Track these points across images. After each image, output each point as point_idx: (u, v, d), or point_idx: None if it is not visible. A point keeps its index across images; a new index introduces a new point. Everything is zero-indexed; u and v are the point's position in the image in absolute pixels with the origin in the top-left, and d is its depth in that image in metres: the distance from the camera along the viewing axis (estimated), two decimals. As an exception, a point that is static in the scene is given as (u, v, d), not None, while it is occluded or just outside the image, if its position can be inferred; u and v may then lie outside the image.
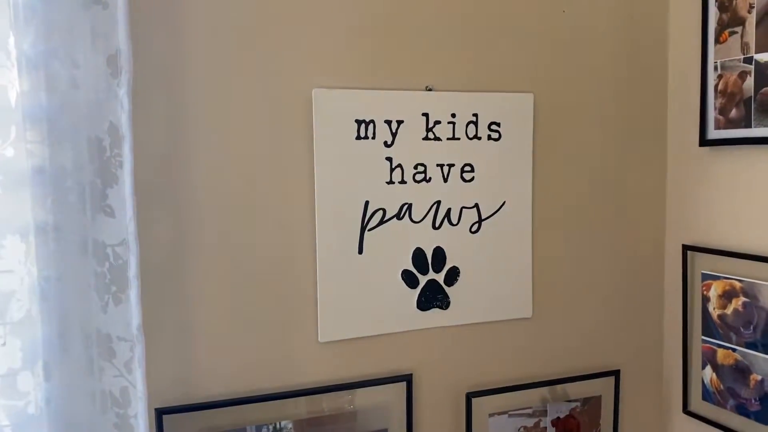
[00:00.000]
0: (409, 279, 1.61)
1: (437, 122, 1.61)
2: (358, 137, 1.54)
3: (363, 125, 1.54)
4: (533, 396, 1.73)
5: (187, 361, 1.43)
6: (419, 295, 1.62)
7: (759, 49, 1.55)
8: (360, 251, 1.56)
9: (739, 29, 1.60)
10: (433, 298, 1.63)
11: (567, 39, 1.73)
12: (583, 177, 1.77)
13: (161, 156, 1.38)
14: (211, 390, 1.45)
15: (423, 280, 1.62)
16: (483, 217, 1.67)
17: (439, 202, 1.63)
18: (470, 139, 1.64)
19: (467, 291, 1.66)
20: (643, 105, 1.82)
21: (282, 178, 1.48)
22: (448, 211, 1.64)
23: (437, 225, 1.63)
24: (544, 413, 1.74)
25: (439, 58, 1.60)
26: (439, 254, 1.64)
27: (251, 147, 1.45)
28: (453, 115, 1.62)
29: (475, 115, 1.64)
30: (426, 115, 1.60)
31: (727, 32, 1.63)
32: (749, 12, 1.57)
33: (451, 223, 1.64)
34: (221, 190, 1.43)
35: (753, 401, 1.60)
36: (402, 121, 1.57)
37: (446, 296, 1.65)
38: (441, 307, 1.64)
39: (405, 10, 1.57)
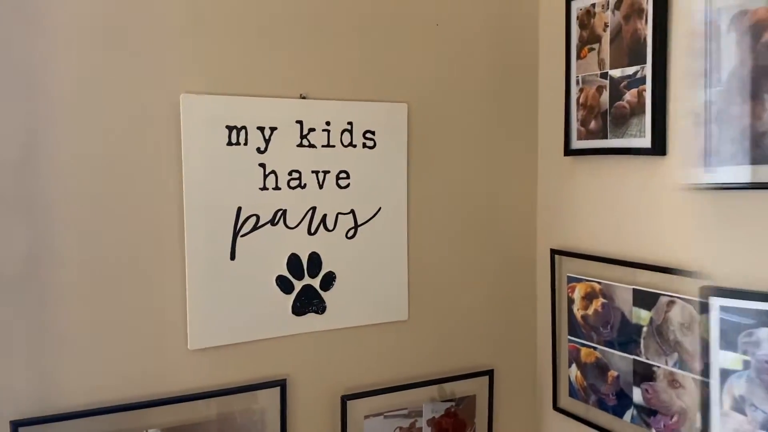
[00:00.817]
0: (284, 284, 1.62)
1: (312, 130, 1.63)
2: (230, 143, 1.54)
3: (234, 131, 1.54)
4: (409, 397, 1.77)
5: (47, 372, 1.39)
6: (294, 300, 1.64)
7: (613, 65, 1.65)
8: (232, 257, 1.56)
9: (596, 46, 1.70)
10: (308, 303, 1.65)
11: (441, 51, 1.79)
12: (456, 184, 1.84)
13: (15, 161, 1.34)
14: (74, 400, 1.41)
15: (298, 285, 1.64)
16: (359, 223, 1.70)
17: (314, 208, 1.65)
18: (345, 146, 1.67)
19: (343, 295, 1.69)
20: (515, 116, 1.91)
21: (149, 183, 1.46)
22: (324, 217, 1.66)
23: (313, 231, 1.65)
24: (420, 414, 1.79)
25: (313, 67, 1.63)
26: (315, 259, 1.66)
27: (116, 152, 1.43)
28: (328, 123, 1.65)
29: (350, 123, 1.67)
30: (300, 122, 1.62)
31: (586, 48, 1.73)
32: (604, 30, 1.67)
33: (326, 229, 1.67)
34: (84, 196, 1.40)
35: (610, 396, 1.70)
36: (275, 128, 1.59)
37: (322, 301, 1.67)
38: (317, 312, 1.66)
39: (279, 17, 1.58)
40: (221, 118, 1.53)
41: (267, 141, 1.58)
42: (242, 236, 1.57)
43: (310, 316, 1.66)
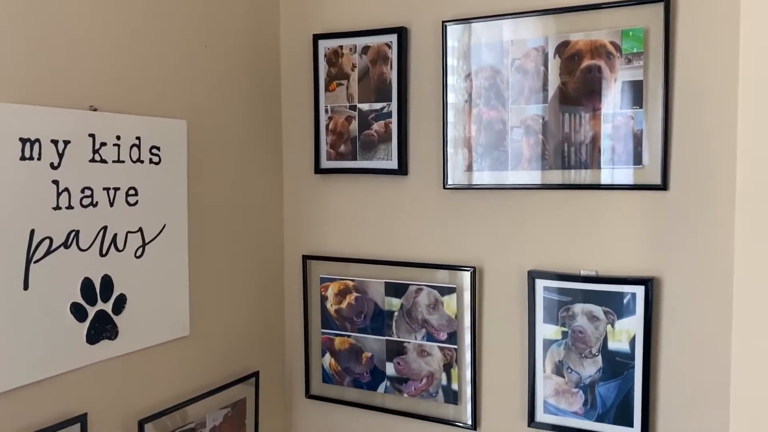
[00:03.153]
0: (78, 312, 1.49)
1: (103, 144, 1.54)
2: (23, 158, 1.36)
3: (28, 144, 1.37)
4: (197, 410, 1.80)
5: None
6: (89, 327, 1.52)
7: (361, 99, 2.00)
8: (26, 287, 1.38)
9: (345, 82, 2.02)
10: (102, 329, 1.55)
11: (211, 72, 1.87)
12: (225, 200, 1.94)
13: None
14: None
15: (92, 311, 1.52)
16: (146, 241, 1.66)
17: (105, 228, 1.55)
18: (134, 162, 1.62)
19: (133, 318, 1.63)
20: (265, 138, 2.09)
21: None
22: (115, 236, 1.58)
23: (104, 252, 1.56)
24: (204, 424, 1.83)
25: (103, 77, 1.54)
26: (107, 282, 1.56)
27: None
28: (118, 137, 1.58)
29: (138, 138, 1.63)
30: (92, 136, 1.51)
31: (335, 83, 2.04)
32: (352, 70, 2.01)
33: (117, 249, 1.59)
34: None
35: (365, 374, 2.04)
36: (69, 142, 1.46)
37: (114, 326, 1.58)
38: (110, 338, 1.57)
39: (70, 24, 1.46)
40: (13, 129, 1.34)
41: (61, 155, 1.44)
42: (36, 262, 1.40)
43: (104, 344, 1.56)
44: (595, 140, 1.70)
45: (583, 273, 1.74)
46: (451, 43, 1.85)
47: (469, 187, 1.86)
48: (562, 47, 1.72)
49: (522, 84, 1.77)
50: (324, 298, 2.09)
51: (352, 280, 2.04)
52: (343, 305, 2.06)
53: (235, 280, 1.98)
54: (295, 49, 2.12)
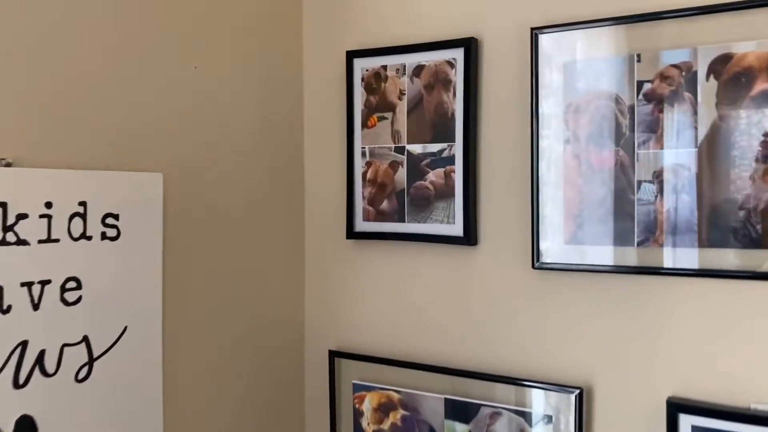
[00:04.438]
0: (-28, 483, 0.94)
1: (23, 216, 1.00)
2: None
3: None
4: None
5: None
6: (-9, 505, 0.97)
7: (412, 139, 1.44)
8: None
9: (389, 115, 1.46)
10: (15, 502, 0.99)
11: (204, 103, 1.33)
12: (221, 284, 1.38)
13: None
14: None
15: (-3, 477, 0.97)
16: (95, 356, 1.11)
17: (25, 343, 1.01)
18: (76, 239, 1.08)
19: (72, 474, 1.07)
20: (281, 194, 1.54)
21: None
22: (41, 354, 1.03)
23: (23, 381, 1.01)
24: None
25: (24, 118, 1.01)
26: (26, 427, 1.01)
27: None
28: (48, 205, 1.04)
29: (83, 203, 1.09)
30: (3, 205, 0.98)
31: (375, 117, 1.48)
32: (399, 98, 1.45)
33: (45, 374, 1.04)
34: None
35: None
36: (-41, 216, 0.92)
37: (38, 492, 1.03)
38: None
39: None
40: None
41: (-58, 239, 0.90)
42: None
43: None
44: (778, 204, 1.10)
45: (755, 407, 1.13)
46: (544, 59, 1.28)
47: (573, 268, 1.27)
48: (721, 63, 1.14)
49: (655, 118, 1.19)
50: (358, 414, 1.51)
51: (398, 392, 1.46)
52: (385, 426, 1.48)
53: (234, 397, 1.41)
54: (322, 71, 1.57)
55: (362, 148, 1.49)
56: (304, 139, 1.59)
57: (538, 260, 1.30)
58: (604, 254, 1.24)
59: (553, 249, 1.29)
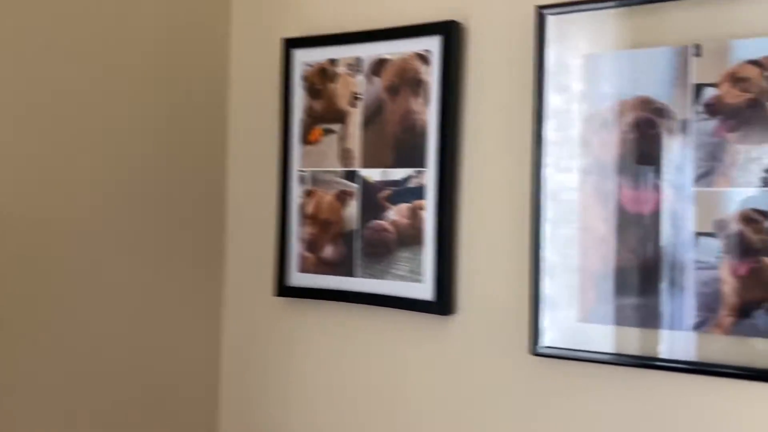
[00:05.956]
0: None
1: None
2: None
3: None
4: None
5: None
6: None
7: (368, 162, 1.03)
8: None
9: (338, 127, 1.06)
10: None
11: (87, 105, 0.93)
12: (106, 353, 0.97)
13: None
14: None
15: None
16: None
17: None
18: None
19: None
20: (192, 233, 1.13)
21: None
22: None
23: None
24: None
25: None
26: None
27: None
28: None
29: None
30: None
31: (320, 129, 1.08)
32: (353, 104, 1.05)
33: None
34: None
35: None
36: None
37: None
38: None
39: None
40: None
41: None
42: None
43: None
44: None
45: None
46: (555, 52, 0.89)
47: (591, 358, 0.86)
48: (827, 58, 0.75)
49: (721, 141, 0.79)
50: None
51: None
52: None
53: None
54: (252, 67, 1.17)
55: (301, 171, 1.09)
56: (227, 159, 1.19)
57: (537, 343, 0.89)
58: (638, 340, 0.83)
59: (561, 328, 0.88)
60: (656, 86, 0.83)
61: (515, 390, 0.93)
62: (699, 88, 0.80)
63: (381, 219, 1.02)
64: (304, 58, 1.09)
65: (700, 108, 0.80)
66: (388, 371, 1.02)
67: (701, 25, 0.81)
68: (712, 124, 0.79)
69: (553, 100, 0.89)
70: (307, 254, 1.08)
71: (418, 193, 0.99)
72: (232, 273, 1.17)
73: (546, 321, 0.89)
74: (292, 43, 1.10)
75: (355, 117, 1.04)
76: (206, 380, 1.16)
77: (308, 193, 1.08)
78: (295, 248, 1.09)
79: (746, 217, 0.78)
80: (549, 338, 0.88)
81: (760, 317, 0.77)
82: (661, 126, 0.82)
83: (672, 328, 0.81)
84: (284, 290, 1.09)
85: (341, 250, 1.05)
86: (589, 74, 0.87)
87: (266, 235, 1.13)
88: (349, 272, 1.04)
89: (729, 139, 0.79)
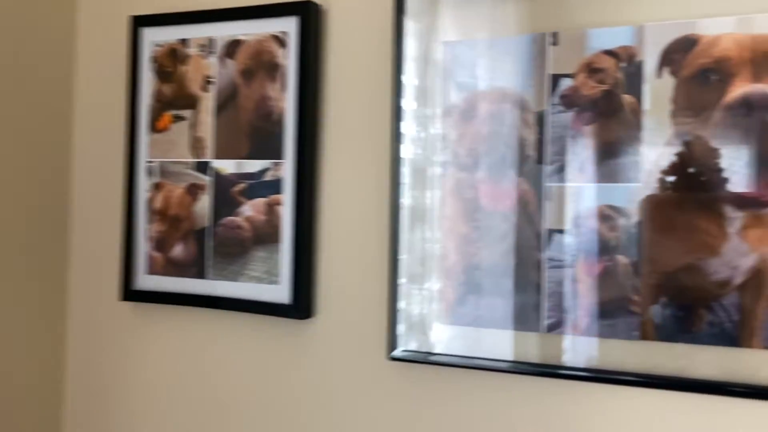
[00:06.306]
0: None
1: None
2: None
3: None
4: None
5: None
6: None
7: (221, 152, 0.95)
8: None
9: (188, 114, 0.97)
10: None
11: None
12: None
13: None
14: None
15: None
16: None
17: None
18: None
19: None
20: (31, 232, 1.00)
21: None
22: None
23: None
24: None
25: None
26: None
27: None
28: None
29: None
30: None
31: (169, 116, 0.98)
32: (205, 89, 0.96)
33: None
34: None
35: None
36: None
37: None
38: None
39: None
40: None
41: None
42: None
43: None
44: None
45: None
46: (415, 39, 0.83)
47: (447, 361, 0.81)
48: (680, 51, 0.72)
49: (577, 134, 0.76)
50: None
51: None
52: None
53: None
54: (98, 45, 1.05)
55: (149, 162, 0.99)
56: (72, 151, 1.07)
57: (396, 347, 0.83)
58: (499, 343, 0.79)
59: (419, 331, 0.83)
60: (514, 77, 0.79)
61: (373, 396, 0.87)
62: (555, 79, 0.77)
63: (235, 215, 0.93)
64: (153, 38, 0.99)
65: (556, 100, 0.76)
66: (243, 378, 0.94)
67: (559, 13, 0.77)
68: (568, 116, 0.76)
69: (412, 90, 0.83)
70: (156, 254, 0.98)
71: (275, 186, 0.91)
72: (77, 276, 1.05)
73: (404, 324, 0.83)
74: (140, 21, 0.99)
75: (208, 102, 0.95)
76: (50, 394, 1.04)
77: (156, 186, 0.98)
78: (143, 248, 0.99)
79: (601, 213, 0.75)
80: (407, 342, 0.83)
81: (615, 318, 0.74)
82: (517, 119, 0.78)
83: (526, 329, 0.77)
84: (130, 294, 0.99)
85: (192, 250, 0.96)
86: (447, 63, 0.82)
87: (112, 234, 1.02)
88: (200, 274, 0.95)
89: (585, 132, 0.76)
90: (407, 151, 0.83)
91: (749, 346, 0.69)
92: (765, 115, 0.68)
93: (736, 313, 0.70)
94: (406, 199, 0.83)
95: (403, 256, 0.82)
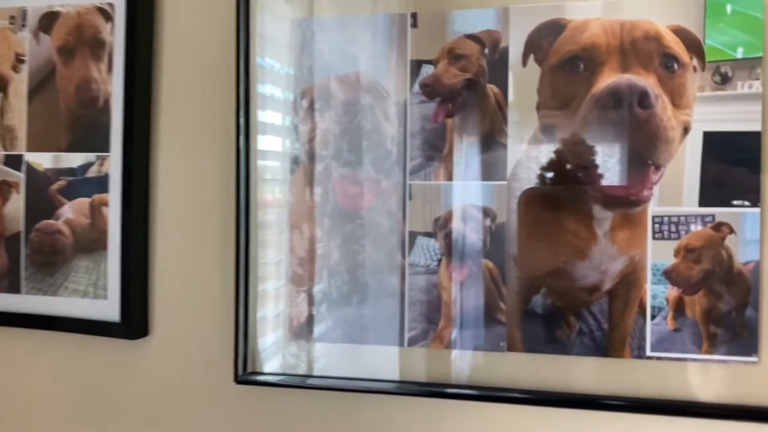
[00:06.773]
0: None
1: None
2: None
3: None
4: None
5: None
6: None
7: (35, 145, 0.80)
8: None
9: (-5, 98, 0.82)
10: None
11: None
12: None
13: None
14: None
15: None
16: None
17: None
18: None
19: None
20: None
21: None
22: None
23: None
24: None
25: None
26: None
27: None
28: None
29: None
30: None
31: (-27, 100, 0.82)
32: (15, 69, 0.81)
33: None
34: None
35: None
36: None
37: None
38: None
39: None
40: None
41: None
42: None
43: None
44: (635, 284, 0.64)
45: None
46: (264, 12, 0.73)
47: (302, 384, 0.71)
48: (549, 35, 0.66)
49: (440, 126, 0.68)
50: None
51: None
52: None
53: None
54: None
55: (-51, 155, 0.83)
56: None
57: (244, 369, 0.73)
58: (357, 360, 0.71)
59: (272, 348, 0.73)
60: (369, 62, 0.70)
61: (219, 427, 0.76)
62: (416, 65, 0.69)
63: (53, 218, 0.79)
64: (-49, 6, 0.82)
65: (417, 89, 0.69)
66: (65, 410, 0.80)
67: (418, -11, 0.69)
68: (430, 107, 0.69)
69: (261, 73, 0.73)
70: (-42, 264, 0.82)
71: (101, 184, 0.78)
72: None
73: (257, 341, 0.73)
74: (-67, -15, 0.83)
75: (19, 85, 0.80)
76: None
77: (-40, 185, 0.82)
78: (-60, 257, 0.82)
79: (465, 214, 0.68)
80: (262, 363, 0.73)
81: (481, 328, 0.67)
82: (375, 109, 0.70)
83: (385, 342, 0.69)
84: (-75, 313, 0.82)
85: (2, 260, 0.81)
86: (297, 44, 0.72)
87: None
88: (13, 287, 0.80)
89: (447, 125, 0.68)
90: (258, 142, 0.73)
91: (621, 356, 0.65)
92: (633, 107, 0.64)
93: (605, 320, 0.65)
94: (259, 197, 0.73)
95: (261, 262, 0.72)
